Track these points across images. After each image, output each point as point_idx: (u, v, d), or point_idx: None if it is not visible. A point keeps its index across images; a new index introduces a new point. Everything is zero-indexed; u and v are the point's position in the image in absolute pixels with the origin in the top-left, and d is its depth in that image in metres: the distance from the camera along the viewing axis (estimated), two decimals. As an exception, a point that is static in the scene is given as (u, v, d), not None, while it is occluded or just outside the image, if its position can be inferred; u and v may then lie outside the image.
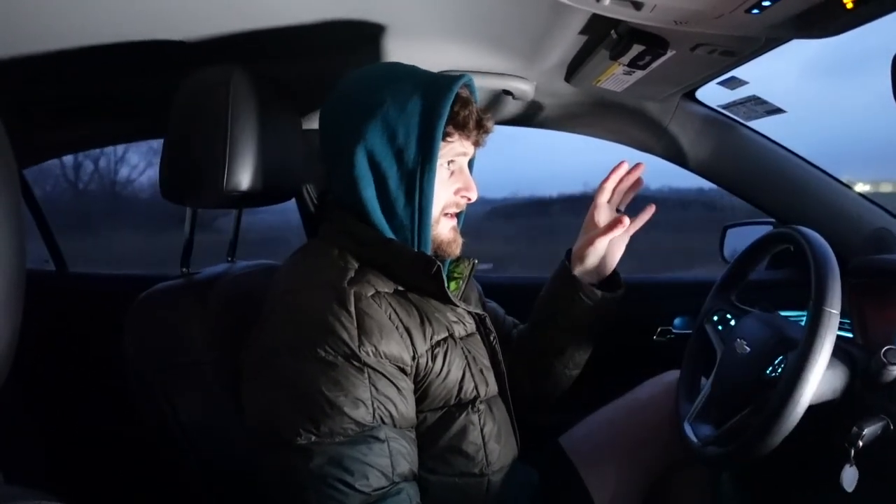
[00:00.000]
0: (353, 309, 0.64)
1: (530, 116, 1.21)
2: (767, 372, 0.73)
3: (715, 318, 0.89)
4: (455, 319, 0.76)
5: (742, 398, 0.74)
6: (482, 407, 0.74)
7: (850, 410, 0.70)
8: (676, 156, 1.21)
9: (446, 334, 0.73)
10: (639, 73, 0.89)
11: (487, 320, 0.82)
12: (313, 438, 0.60)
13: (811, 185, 1.13)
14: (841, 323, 0.68)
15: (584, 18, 0.76)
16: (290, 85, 0.85)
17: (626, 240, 0.87)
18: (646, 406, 0.91)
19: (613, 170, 0.86)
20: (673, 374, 0.92)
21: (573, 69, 0.97)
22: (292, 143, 0.85)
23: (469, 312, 0.79)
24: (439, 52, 0.92)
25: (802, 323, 0.69)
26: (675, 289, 1.41)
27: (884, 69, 0.64)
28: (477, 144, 0.77)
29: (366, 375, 0.63)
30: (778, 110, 1.03)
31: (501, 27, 0.84)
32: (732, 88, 0.99)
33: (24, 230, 0.35)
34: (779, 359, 0.73)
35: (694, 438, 0.77)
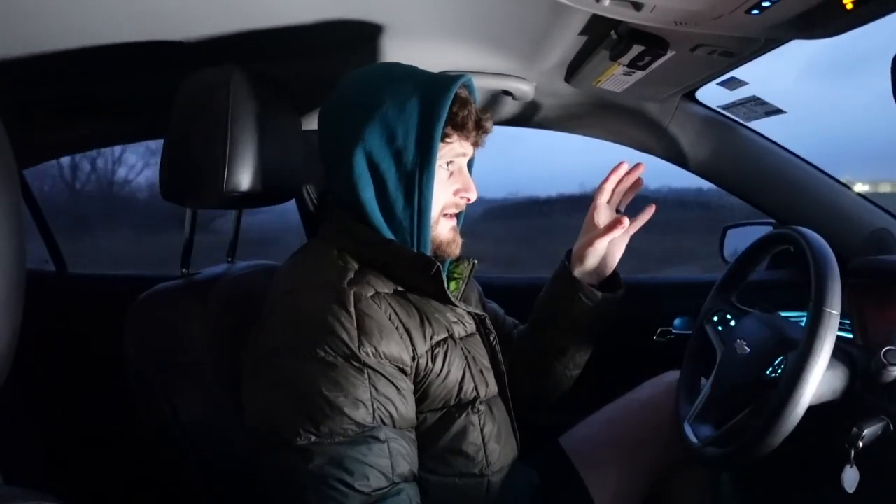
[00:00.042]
0: (352, 309, 0.64)
1: (530, 117, 1.21)
2: (767, 372, 0.73)
3: (715, 318, 0.89)
4: (455, 320, 0.76)
5: (742, 399, 0.74)
6: (482, 407, 0.74)
7: (850, 411, 0.70)
8: (676, 156, 1.21)
9: (446, 335, 0.73)
10: (639, 74, 0.89)
11: (487, 321, 0.82)
12: (313, 439, 0.60)
13: (811, 186, 1.13)
14: (841, 323, 0.68)
15: (584, 19, 0.76)
16: (289, 85, 0.85)
17: (625, 240, 0.87)
18: (646, 406, 0.91)
19: (613, 170, 0.86)
20: (673, 375, 0.92)
21: (573, 70, 0.97)
22: (292, 144, 0.85)
23: (469, 313, 0.79)
24: (439, 53, 0.92)
25: (802, 323, 0.69)
26: (675, 289, 1.41)
27: (883, 69, 0.64)
28: (476, 145, 0.77)
29: (366, 376, 0.63)
30: (778, 111, 1.03)
31: (501, 27, 0.84)
32: (732, 89, 0.99)
33: (24, 230, 0.35)
34: (779, 359, 0.73)
35: (694, 439, 0.77)
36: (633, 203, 0.89)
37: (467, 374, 0.73)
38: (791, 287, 1.12)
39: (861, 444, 0.67)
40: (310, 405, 0.61)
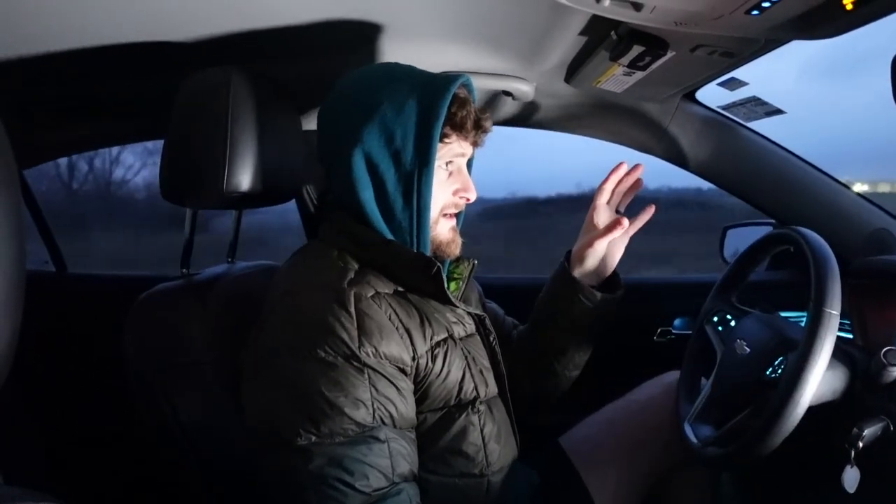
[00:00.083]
0: (353, 310, 0.64)
1: (530, 117, 1.21)
2: (767, 373, 0.73)
3: (715, 318, 0.89)
4: (455, 320, 0.76)
5: (742, 399, 0.74)
6: (482, 408, 0.74)
7: (851, 411, 0.70)
8: (676, 157, 1.21)
9: (446, 335, 0.73)
10: (639, 74, 0.89)
11: (487, 321, 0.82)
12: (313, 439, 0.60)
13: (811, 186, 1.13)
14: (841, 324, 0.68)
15: (584, 19, 0.76)
16: (289, 85, 0.85)
17: (625, 241, 0.87)
18: (646, 407, 0.91)
19: (612, 171, 0.86)
20: (673, 375, 0.92)
21: (573, 70, 0.97)
22: (292, 144, 0.85)
23: (469, 313, 0.79)
24: (439, 53, 0.92)
25: (802, 324, 0.69)
26: (675, 289, 1.41)
27: (883, 70, 0.64)
28: (475, 145, 0.77)
29: (366, 376, 0.63)
30: (778, 111, 1.03)
31: (501, 28, 0.84)
32: (732, 89, 0.99)
33: (25, 231, 0.35)
34: (779, 360, 0.73)
35: (694, 439, 0.77)
36: (632, 203, 0.89)
37: (467, 375, 0.73)
38: (791, 287, 1.12)
39: (861, 444, 0.67)
40: (310, 405, 0.61)
